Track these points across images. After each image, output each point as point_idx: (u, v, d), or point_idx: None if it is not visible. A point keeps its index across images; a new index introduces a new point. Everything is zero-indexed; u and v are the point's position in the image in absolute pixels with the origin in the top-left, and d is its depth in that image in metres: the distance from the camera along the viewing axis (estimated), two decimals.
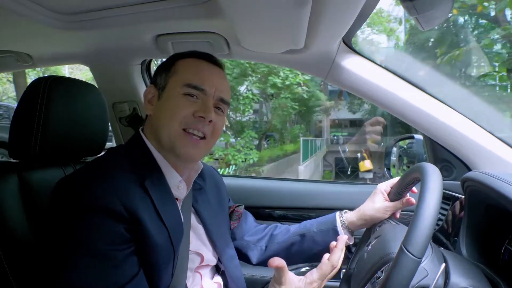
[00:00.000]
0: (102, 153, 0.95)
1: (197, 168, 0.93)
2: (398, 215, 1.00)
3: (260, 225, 1.15)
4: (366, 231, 1.02)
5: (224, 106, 0.88)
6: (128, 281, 0.69)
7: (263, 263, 1.09)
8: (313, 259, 0.99)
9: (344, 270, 0.99)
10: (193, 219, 0.94)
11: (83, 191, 0.71)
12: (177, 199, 0.86)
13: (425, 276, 0.69)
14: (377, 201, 0.98)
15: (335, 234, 1.00)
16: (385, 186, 1.01)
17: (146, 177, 0.78)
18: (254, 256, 1.07)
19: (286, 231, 1.09)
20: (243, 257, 1.06)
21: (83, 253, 0.67)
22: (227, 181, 1.20)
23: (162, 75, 0.87)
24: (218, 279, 0.97)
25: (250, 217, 1.16)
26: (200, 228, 0.94)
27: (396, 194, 0.97)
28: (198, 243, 0.92)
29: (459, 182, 1.01)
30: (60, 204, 0.72)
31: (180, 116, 0.81)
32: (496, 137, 1.14)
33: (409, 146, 1.55)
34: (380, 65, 1.18)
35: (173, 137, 0.81)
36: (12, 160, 0.98)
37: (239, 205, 1.10)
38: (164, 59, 0.96)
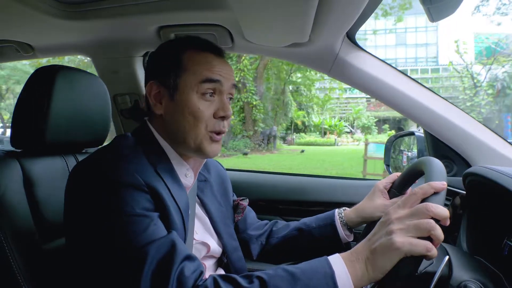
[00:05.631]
0: (106, 143, 0.94)
1: (201, 159, 0.93)
2: None
3: (262, 221, 1.16)
4: (366, 228, 1.02)
5: (234, 90, 0.89)
6: (167, 234, 0.70)
7: (262, 258, 1.09)
8: (312, 256, 0.95)
9: None
10: (199, 210, 0.94)
11: (108, 170, 0.72)
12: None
13: (430, 264, 0.70)
14: (376, 199, 0.99)
15: (333, 230, 1.01)
16: (384, 183, 1.01)
17: (157, 164, 0.80)
18: (255, 250, 1.08)
19: (285, 227, 1.10)
20: (244, 251, 1.06)
21: (121, 218, 0.67)
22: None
23: (169, 72, 0.83)
24: (221, 272, 0.97)
25: (252, 213, 1.16)
26: (205, 218, 0.95)
27: (398, 189, 0.97)
28: (204, 233, 0.92)
29: (459, 178, 1.02)
30: (86, 184, 0.72)
31: (204, 120, 0.82)
32: (496, 133, 1.16)
33: (409, 143, 1.56)
34: (383, 61, 1.19)
35: (200, 140, 0.82)
36: (14, 149, 0.97)
37: (244, 199, 1.10)
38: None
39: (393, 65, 1.22)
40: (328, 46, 1.12)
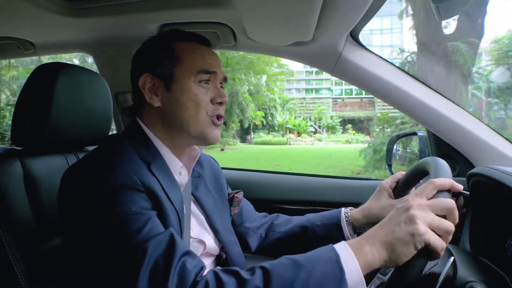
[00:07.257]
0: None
1: (194, 155, 0.93)
2: None
3: (260, 213, 1.15)
4: (368, 228, 1.02)
5: (224, 82, 0.92)
6: (165, 230, 0.69)
7: (262, 252, 1.08)
8: None
9: None
10: (194, 207, 0.93)
11: (102, 174, 0.71)
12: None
13: (435, 265, 0.70)
14: (382, 199, 0.97)
15: (338, 230, 0.99)
16: (389, 183, 0.99)
17: (150, 162, 0.79)
18: (253, 243, 1.07)
19: (288, 222, 1.08)
20: (242, 244, 1.05)
21: (118, 219, 0.66)
22: (225, 173, 1.19)
23: (163, 64, 0.84)
24: None
25: (249, 205, 1.15)
26: (201, 216, 0.94)
27: (402, 189, 0.96)
28: (201, 230, 0.91)
29: (462, 178, 1.01)
30: (81, 189, 0.71)
31: (204, 105, 0.84)
32: (499, 134, 1.15)
33: (412, 143, 1.55)
34: (386, 60, 1.19)
35: (203, 126, 0.84)
36: (15, 147, 0.97)
37: (238, 191, 1.09)
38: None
39: None
40: (331, 45, 1.12)
